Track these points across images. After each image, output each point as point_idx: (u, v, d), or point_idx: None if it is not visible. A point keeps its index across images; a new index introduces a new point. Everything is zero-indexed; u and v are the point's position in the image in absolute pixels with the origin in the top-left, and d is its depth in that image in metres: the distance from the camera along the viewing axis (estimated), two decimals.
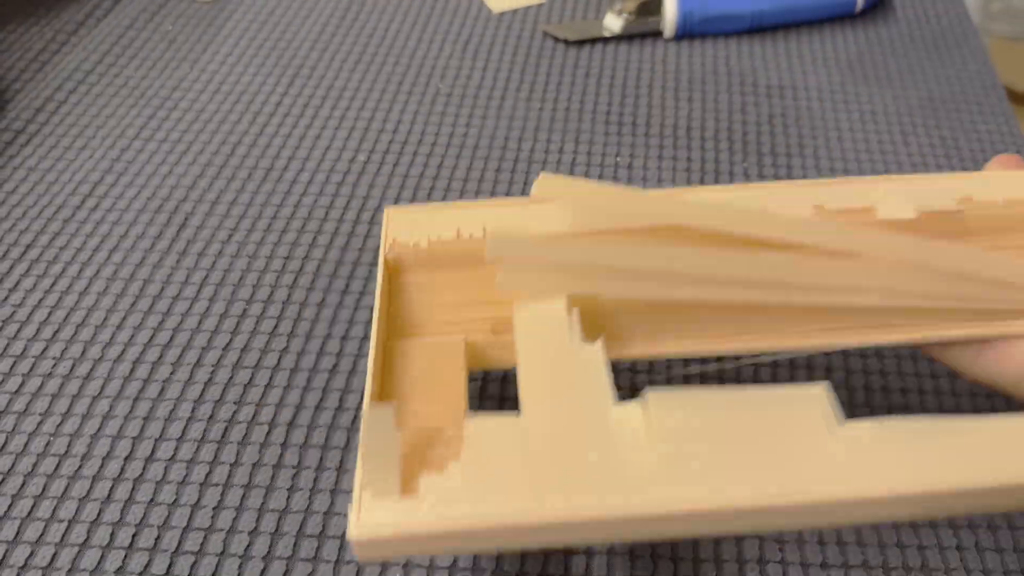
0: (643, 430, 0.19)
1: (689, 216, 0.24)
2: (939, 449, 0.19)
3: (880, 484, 0.18)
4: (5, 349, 0.30)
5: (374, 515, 0.18)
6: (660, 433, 0.19)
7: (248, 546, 0.25)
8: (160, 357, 0.30)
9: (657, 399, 0.20)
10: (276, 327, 0.31)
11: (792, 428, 0.19)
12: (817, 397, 0.20)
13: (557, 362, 0.22)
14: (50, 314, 0.31)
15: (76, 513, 0.26)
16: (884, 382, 0.30)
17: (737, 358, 0.28)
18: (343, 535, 0.26)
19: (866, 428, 0.19)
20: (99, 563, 0.25)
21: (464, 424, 0.20)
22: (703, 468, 0.19)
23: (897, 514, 0.19)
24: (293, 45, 0.45)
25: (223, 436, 0.28)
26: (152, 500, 0.26)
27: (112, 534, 0.25)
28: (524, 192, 0.37)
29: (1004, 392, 0.23)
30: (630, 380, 0.30)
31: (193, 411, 0.29)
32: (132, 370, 0.30)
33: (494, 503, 0.18)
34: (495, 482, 0.19)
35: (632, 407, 0.20)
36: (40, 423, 0.28)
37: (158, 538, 0.25)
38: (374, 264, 0.34)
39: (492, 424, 0.20)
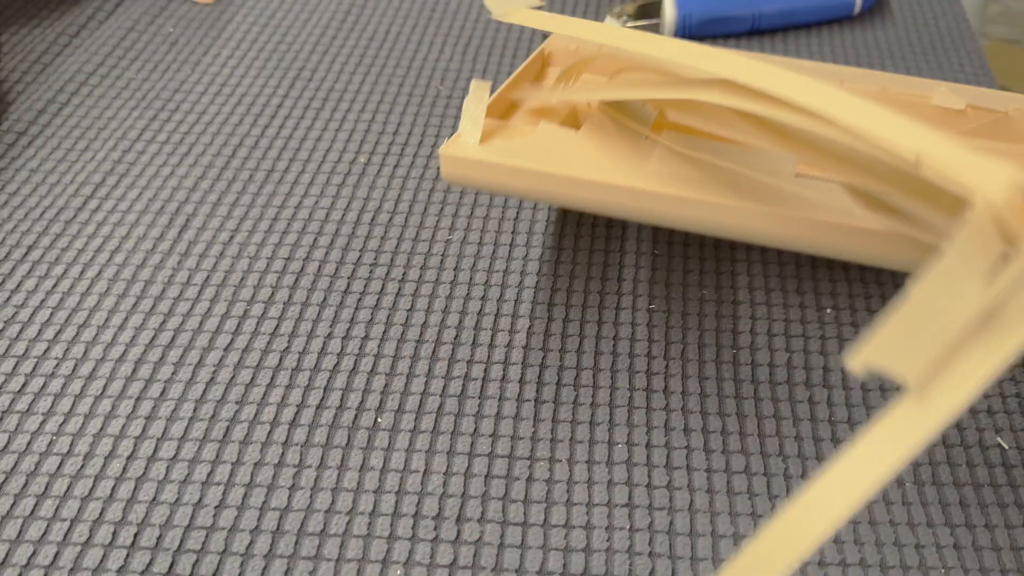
0: (657, 155, 0.27)
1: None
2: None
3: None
4: (7, 350, 0.30)
5: (456, 147, 0.27)
6: (665, 159, 0.27)
7: (250, 544, 0.25)
8: (162, 357, 0.30)
9: (671, 136, 0.27)
10: (278, 327, 0.31)
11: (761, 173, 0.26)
12: (788, 160, 0.26)
13: (617, 120, 0.29)
14: (52, 315, 0.31)
15: (79, 512, 0.26)
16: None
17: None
18: (344, 533, 0.26)
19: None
20: (101, 562, 0.25)
21: (538, 126, 0.28)
22: (694, 181, 0.26)
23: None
24: (294, 48, 0.45)
25: (225, 435, 0.28)
26: (154, 499, 0.26)
27: (114, 533, 0.26)
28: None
29: None
30: (646, 381, 0.30)
31: (195, 411, 0.29)
32: (134, 370, 0.30)
33: (542, 161, 0.26)
34: (546, 152, 0.27)
35: (652, 143, 0.28)
36: (43, 423, 0.28)
37: (160, 537, 0.26)
38: (375, 264, 0.34)
39: (558, 128, 0.28)
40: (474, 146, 0.27)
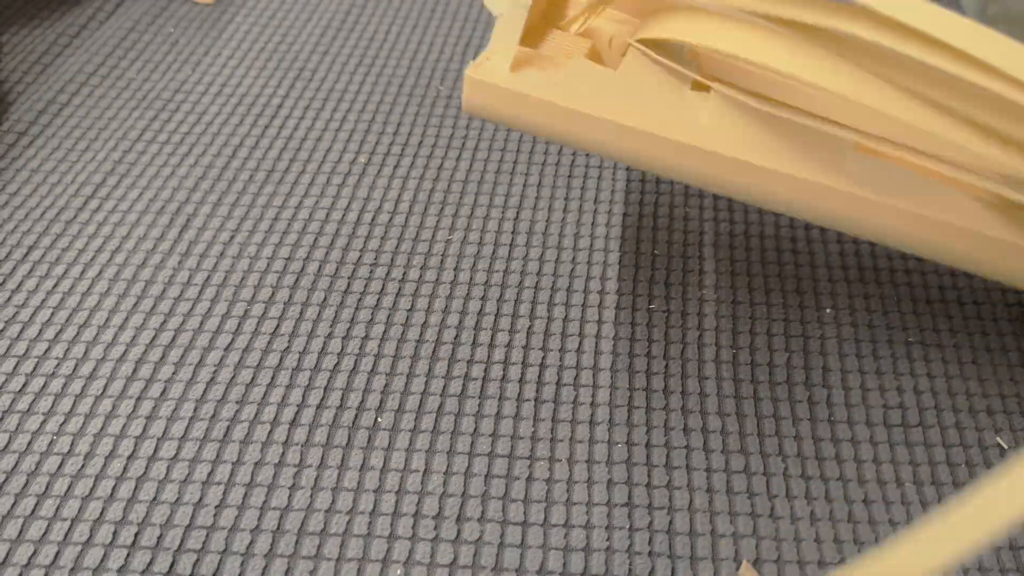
0: (708, 109, 0.24)
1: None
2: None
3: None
4: (8, 349, 0.30)
5: (485, 71, 0.24)
6: (721, 114, 0.24)
7: (250, 544, 0.26)
8: (163, 357, 0.30)
9: (722, 96, 0.24)
10: (278, 327, 0.31)
11: (819, 148, 0.24)
12: (845, 145, 0.24)
13: (657, 62, 0.26)
14: (53, 315, 0.32)
15: (79, 512, 0.26)
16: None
17: None
18: (345, 532, 0.26)
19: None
20: (102, 561, 0.25)
21: (571, 59, 0.25)
22: (747, 138, 0.24)
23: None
24: (294, 48, 0.45)
25: (225, 435, 0.28)
26: (155, 499, 0.26)
27: (115, 532, 0.26)
28: (523, 196, 0.37)
29: None
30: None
31: (196, 410, 0.29)
32: (135, 370, 0.30)
33: (583, 100, 0.24)
34: (578, 88, 0.24)
35: (703, 95, 0.25)
36: (43, 422, 0.28)
37: (161, 536, 0.26)
38: (375, 264, 0.34)
39: (593, 65, 0.25)
40: (505, 73, 0.24)
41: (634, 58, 0.26)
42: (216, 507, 0.26)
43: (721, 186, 0.24)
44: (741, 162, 0.23)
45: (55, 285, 0.33)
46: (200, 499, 0.26)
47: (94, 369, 0.30)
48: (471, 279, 0.34)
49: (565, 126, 0.24)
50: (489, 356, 0.31)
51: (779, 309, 0.33)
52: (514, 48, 0.24)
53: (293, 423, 0.29)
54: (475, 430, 0.29)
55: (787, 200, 0.24)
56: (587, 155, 0.39)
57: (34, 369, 0.30)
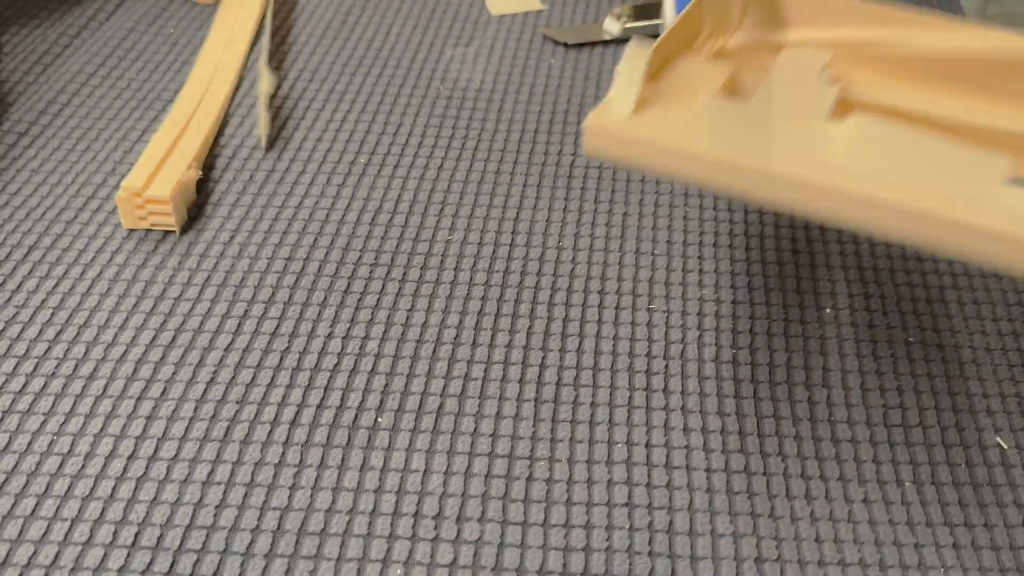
0: (845, 139, 0.23)
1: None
2: None
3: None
4: (8, 349, 0.30)
5: (608, 115, 0.23)
6: (859, 144, 0.23)
7: (250, 544, 0.26)
8: (163, 357, 0.30)
9: (864, 121, 0.23)
10: (278, 327, 0.31)
11: (964, 178, 0.22)
12: (996, 166, 0.22)
13: (793, 88, 0.25)
14: (53, 315, 0.32)
15: (80, 512, 0.26)
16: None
17: None
18: (345, 532, 0.26)
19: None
20: (102, 561, 0.25)
21: (698, 97, 0.24)
22: (884, 171, 0.22)
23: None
24: (294, 48, 0.45)
25: (226, 435, 0.28)
26: (155, 499, 0.26)
27: (115, 532, 0.26)
28: (523, 196, 0.37)
29: None
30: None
31: (196, 410, 0.29)
32: (135, 370, 0.30)
33: (702, 140, 0.22)
34: (704, 130, 0.23)
35: (841, 124, 0.23)
36: (44, 422, 0.28)
37: (161, 536, 0.26)
38: (375, 264, 0.34)
39: (721, 102, 0.24)
40: (626, 116, 0.23)
41: (768, 87, 0.25)
42: (216, 507, 0.26)
43: (866, 226, 0.22)
44: (885, 201, 0.21)
45: (55, 285, 0.33)
46: (200, 499, 0.26)
47: (94, 369, 0.30)
48: (471, 279, 0.34)
49: (691, 169, 0.23)
50: (489, 356, 0.31)
51: (779, 309, 0.33)
52: (637, 91, 0.23)
53: (293, 423, 0.29)
54: (475, 430, 0.29)
55: (939, 241, 0.22)
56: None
57: (34, 369, 0.30)
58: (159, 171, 0.35)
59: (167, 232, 0.35)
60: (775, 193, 0.22)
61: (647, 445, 0.28)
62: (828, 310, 0.33)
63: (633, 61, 0.24)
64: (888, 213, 0.21)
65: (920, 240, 0.22)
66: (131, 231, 0.35)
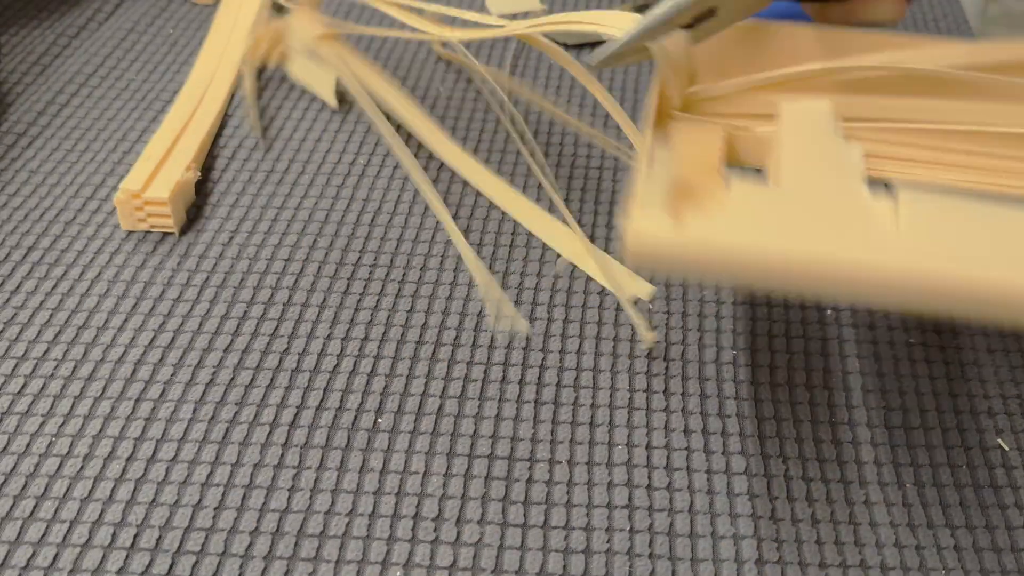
0: (891, 217, 0.21)
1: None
2: None
3: None
4: (7, 351, 0.30)
5: (647, 226, 0.21)
6: (909, 223, 0.21)
7: (249, 546, 0.25)
8: (162, 358, 0.30)
9: (908, 196, 0.22)
10: (277, 328, 0.31)
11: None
12: None
13: (817, 151, 0.24)
14: (52, 316, 0.31)
15: (78, 514, 0.26)
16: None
17: None
18: (344, 535, 0.26)
19: None
20: (101, 563, 0.25)
21: (726, 182, 0.22)
22: (948, 250, 0.20)
23: None
24: None
25: (224, 437, 0.28)
26: (154, 501, 0.26)
27: (114, 534, 0.26)
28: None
29: None
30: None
31: (195, 412, 0.29)
32: (134, 371, 0.30)
33: (751, 240, 0.21)
34: (754, 226, 0.21)
35: (883, 200, 0.22)
36: (42, 424, 0.28)
37: (160, 538, 0.26)
38: (375, 265, 0.34)
39: (752, 187, 0.22)
40: (668, 224, 0.21)
41: (790, 159, 0.23)
42: (215, 509, 0.26)
43: (938, 305, 0.21)
44: (952, 276, 0.20)
45: (54, 287, 0.33)
46: (199, 501, 0.26)
47: (93, 370, 0.30)
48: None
49: (748, 270, 0.21)
50: (489, 357, 0.31)
51: (779, 309, 0.33)
52: (667, 194, 0.21)
53: (292, 425, 0.28)
54: (475, 432, 0.28)
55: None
56: (587, 155, 0.39)
57: (33, 370, 0.30)
58: (158, 172, 0.35)
59: (166, 233, 0.35)
60: (847, 286, 0.21)
61: (647, 447, 0.28)
62: (829, 311, 0.33)
63: (650, 157, 0.22)
64: (971, 290, 0.20)
65: (1000, 314, 0.21)
66: (130, 232, 0.35)
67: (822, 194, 0.22)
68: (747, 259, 0.21)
